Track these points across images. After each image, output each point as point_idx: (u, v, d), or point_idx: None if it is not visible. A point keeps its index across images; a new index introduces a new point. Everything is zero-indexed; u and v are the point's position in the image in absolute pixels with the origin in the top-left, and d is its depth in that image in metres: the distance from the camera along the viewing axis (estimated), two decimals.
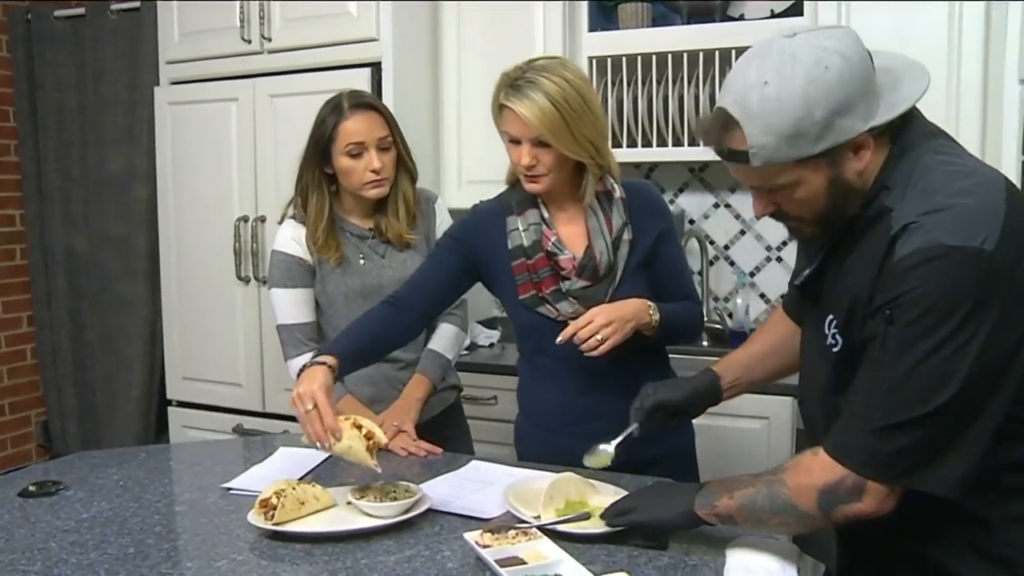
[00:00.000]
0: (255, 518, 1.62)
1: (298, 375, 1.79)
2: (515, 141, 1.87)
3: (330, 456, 2.03)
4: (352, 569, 1.47)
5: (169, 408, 3.59)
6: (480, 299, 2.93)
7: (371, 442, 1.69)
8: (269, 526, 1.59)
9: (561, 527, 1.53)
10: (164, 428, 3.70)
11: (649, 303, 1.89)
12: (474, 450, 2.38)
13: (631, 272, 1.94)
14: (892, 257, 1.22)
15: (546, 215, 1.96)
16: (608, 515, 1.51)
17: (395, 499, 1.65)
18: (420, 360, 2.28)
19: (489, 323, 3.47)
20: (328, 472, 1.93)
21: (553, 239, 1.93)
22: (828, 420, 1.34)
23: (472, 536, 1.49)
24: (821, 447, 1.30)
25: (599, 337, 1.79)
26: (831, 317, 1.36)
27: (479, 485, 1.83)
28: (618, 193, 1.96)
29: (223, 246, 3.33)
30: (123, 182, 3.90)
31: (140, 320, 3.92)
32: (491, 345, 3.30)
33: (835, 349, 1.35)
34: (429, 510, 1.67)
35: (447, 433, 2.25)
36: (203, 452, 2.25)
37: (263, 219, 3.26)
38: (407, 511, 1.63)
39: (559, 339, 1.82)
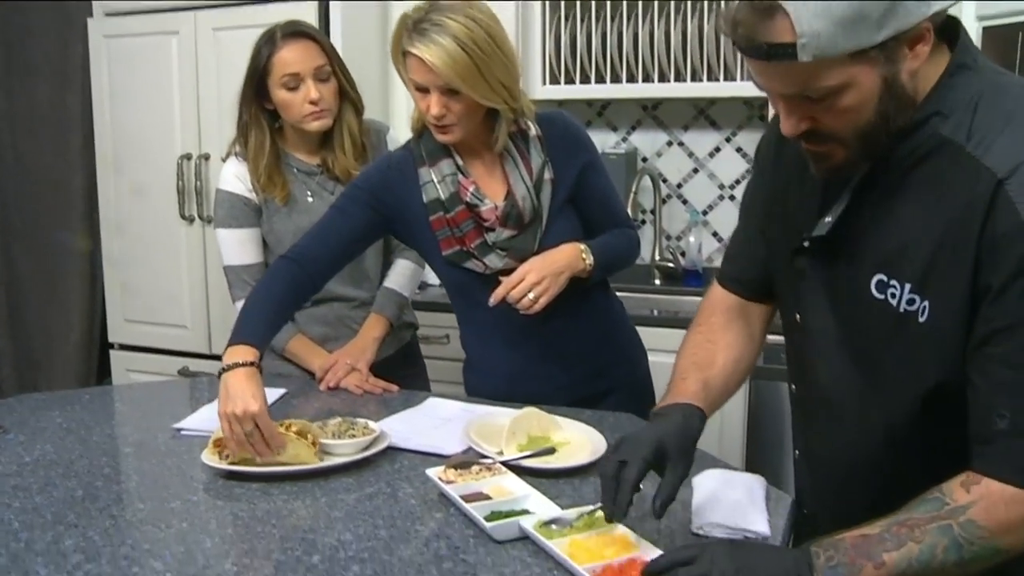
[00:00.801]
0: (209, 458, 1.58)
1: (220, 373, 1.64)
2: (422, 89, 1.73)
3: (283, 395, 1.99)
4: (311, 508, 1.44)
5: (111, 352, 3.50)
6: None
7: (315, 446, 1.58)
8: (224, 466, 1.55)
9: (525, 462, 1.52)
10: (106, 372, 3.61)
11: (581, 247, 1.84)
12: (431, 389, 2.35)
13: (557, 212, 1.86)
14: (1006, 217, 1.03)
15: (460, 163, 1.84)
16: None
17: (354, 437, 1.62)
18: (376, 298, 2.23)
19: None
20: (279, 411, 1.86)
21: (471, 189, 1.83)
22: (859, 378, 1.21)
23: (435, 472, 1.46)
24: (982, 474, 1.06)
25: (532, 296, 1.76)
26: (881, 276, 1.15)
27: (438, 422, 1.80)
28: (533, 131, 1.85)
29: (166, 185, 3.22)
30: (56, 118, 3.73)
31: (77, 261, 3.79)
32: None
33: (922, 319, 1.11)
34: (388, 447, 1.64)
35: (403, 372, 2.21)
36: (149, 393, 2.20)
37: (207, 157, 3.15)
38: (366, 448, 1.61)
39: (491, 301, 1.77)
